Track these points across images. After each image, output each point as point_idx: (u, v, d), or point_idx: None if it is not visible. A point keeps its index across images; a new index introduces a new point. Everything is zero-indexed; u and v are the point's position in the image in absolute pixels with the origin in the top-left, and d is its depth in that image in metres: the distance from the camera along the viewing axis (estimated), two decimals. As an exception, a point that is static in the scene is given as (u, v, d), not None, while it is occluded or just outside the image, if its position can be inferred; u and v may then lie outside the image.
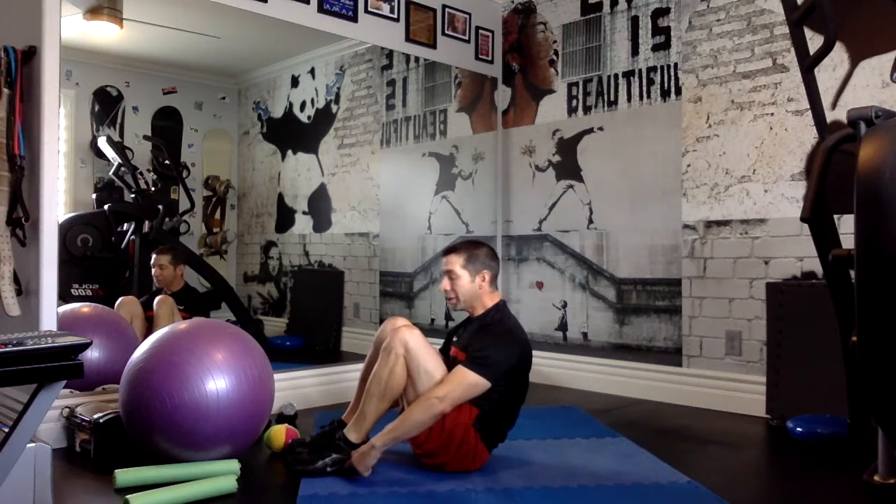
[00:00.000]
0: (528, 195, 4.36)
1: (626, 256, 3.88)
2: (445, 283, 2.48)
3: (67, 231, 4.14)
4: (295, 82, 5.26)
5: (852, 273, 1.55)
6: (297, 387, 3.36)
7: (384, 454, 2.35)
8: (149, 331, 3.55)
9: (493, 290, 2.51)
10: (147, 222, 4.38)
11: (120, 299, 3.73)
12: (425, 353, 2.32)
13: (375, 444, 2.26)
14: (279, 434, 2.55)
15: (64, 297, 3.54)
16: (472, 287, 2.46)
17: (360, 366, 2.62)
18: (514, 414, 2.45)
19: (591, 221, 4.05)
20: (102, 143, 4.51)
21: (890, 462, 2.05)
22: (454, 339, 2.56)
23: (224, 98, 5.41)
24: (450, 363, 2.44)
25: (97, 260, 4.28)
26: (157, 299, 3.78)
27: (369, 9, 3.78)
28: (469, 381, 2.28)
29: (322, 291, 4.99)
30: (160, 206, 4.42)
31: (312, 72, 5.15)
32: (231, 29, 4.36)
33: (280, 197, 5.32)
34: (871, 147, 1.40)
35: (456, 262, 2.46)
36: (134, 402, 2.31)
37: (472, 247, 2.51)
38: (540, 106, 4.32)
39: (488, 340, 2.38)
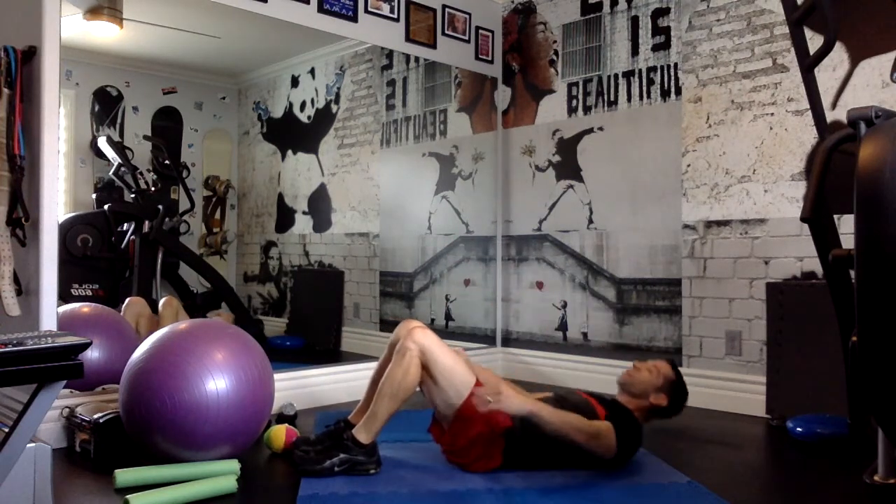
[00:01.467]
0: (528, 195, 4.36)
1: (626, 256, 3.88)
2: (640, 366, 2.60)
3: (67, 231, 4.14)
4: (295, 82, 5.26)
5: (852, 273, 1.55)
6: (297, 387, 3.36)
7: (386, 452, 2.38)
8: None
9: (646, 415, 2.56)
10: (147, 222, 4.38)
11: (127, 300, 3.73)
12: (441, 352, 2.34)
13: (532, 408, 2.22)
14: (279, 434, 2.55)
15: (64, 297, 3.54)
16: (646, 391, 2.55)
17: (361, 365, 2.64)
18: (547, 463, 2.43)
19: (591, 221, 4.05)
20: (102, 143, 4.51)
21: (890, 462, 2.05)
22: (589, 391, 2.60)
23: (224, 98, 5.40)
24: (573, 400, 2.47)
25: (97, 260, 4.28)
26: (162, 300, 3.78)
27: (369, 9, 3.78)
28: (611, 441, 2.30)
29: (322, 291, 4.99)
30: (160, 206, 4.42)
31: (312, 72, 5.15)
32: (231, 29, 4.36)
33: (280, 197, 5.31)
34: (871, 147, 1.40)
35: (659, 371, 2.58)
36: (134, 402, 2.31)
37: (679, 382, 2.62)
38: (540, 106, 4.32)
39: (633, 439, 2.42)
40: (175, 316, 3.67)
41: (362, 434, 2.33)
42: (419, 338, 2.33)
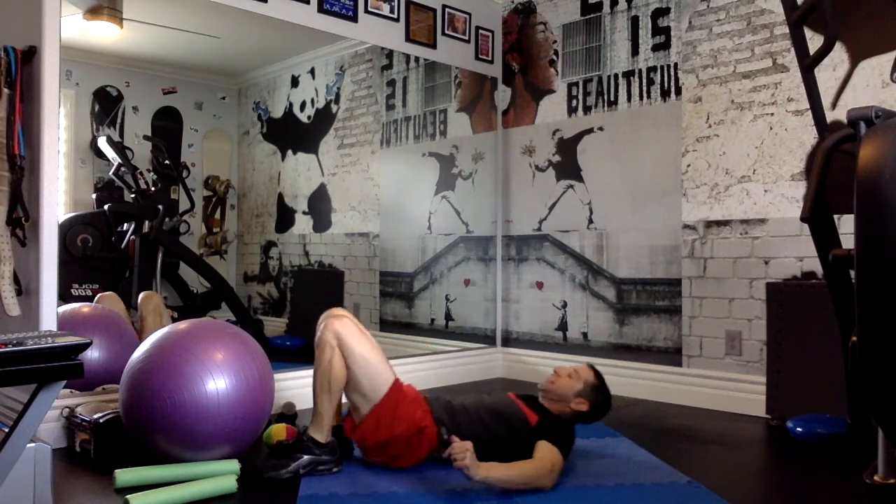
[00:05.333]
0: (528, 195, 4.36)
1: (626, 256, 3.88)
2: (561, 371, 2.52)
3: (67, 231, 4.14)
4: (295, 82, 5.26)
5: (852, 273, 1.55)
6: (297, 387, 3.35)
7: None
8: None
9: (568, 419, 2.48)
10: (147, 222, 4.38)
11: (99, 295, 3.67)
12: (357, 340, 2.32)
13: (490, 476, 2.11)
14: (279, 433, 2.55)
15: (64, 297, 3.54)
16: (566, 396, 2.46)
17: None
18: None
19: (591, 221, 4.05)
20: (102, 143, 4.51)
21: (890, 462, 2.04)
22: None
23: (224, 98, 5.40)
24: (503, 409, 2.44)
25: (97, 260, 4.28)
26: (142, 295, 3.72)
27: (369, 9, 3.78)
28: (560, 460, 2.27)
29: (322, 291, 4.99)
30: (160, 206, 4.42)
31: (312, 72, 5.15)
32: (231, 29, 4.36)
33: (280, 197, 5.31)
34: (871, 147, 1.40)
35: (580, 375, 2.49)
36: (134, 402, 2.31)
37: (600, 386, 2.52)
38: (540, 106, 4.32)
39: (566, 443, 2.38)
40: (156, 312, 3.60)
41: (317, 433, 2.33)
42: (335, 326, 2.31)
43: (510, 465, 2.18)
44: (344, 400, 2.46)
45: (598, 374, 2.54)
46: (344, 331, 2.31)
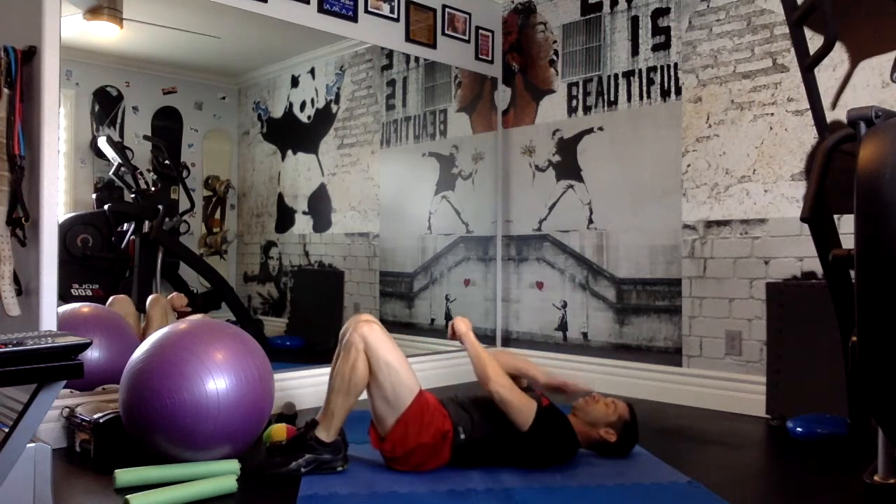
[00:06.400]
0: (528, 195, 4.36)
1: (626, 256, 3.88)
2: (599, 398, 2.56)
3: (67, 231, 4.14)
4: (295, 82, 5.25)
5: (852, 273, 1.55)
6: (297, 387, 3.36)
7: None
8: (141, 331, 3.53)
9: (589, 444, 2.52)
10: (147, 222, 4.38)
11: (112, 298, 3.69)
12: (385, 346, 2.31)
13: (467, 339, 2.48)
14: (279, 433, 2.55)
15: (64, 297, 3.54)
16: (597, 422, 2.51)
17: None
18: (496, 460, 2.43)
19: (591, 221, 4.05)
20: (102, 143, 4.51)
21: (890, 462, 2.05)
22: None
23: (224, 98, 5.40)
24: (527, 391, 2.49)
25: (97, 260, 4.28)
26: (149, 299, 3.72)
27: (369, 9, 3.78)
28: (525, 408, 2.34)
29: (322, 291, 4.99)
30: (160, 206, 4.42)
31: (312, 72, 5.15)
32: (231, 29, 4.36)
33: (280, 197, 5.31)
34: (871, 147, 1.40)
35: (616, 408, 2.53)
36: (134, 402, 2.31)
37: (632, 426, 2.55)
38: (540, 106, 4.32)
39: (559, 438, 2.42)
40: (163, 316, 3.60)
41: (323, 433, 2.32)
42: (364, 331, 2.30)
43: (487, 357, 2.41)
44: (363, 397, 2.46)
45: (633, 414, 2.56)
46: (372, 336, 2.30)
